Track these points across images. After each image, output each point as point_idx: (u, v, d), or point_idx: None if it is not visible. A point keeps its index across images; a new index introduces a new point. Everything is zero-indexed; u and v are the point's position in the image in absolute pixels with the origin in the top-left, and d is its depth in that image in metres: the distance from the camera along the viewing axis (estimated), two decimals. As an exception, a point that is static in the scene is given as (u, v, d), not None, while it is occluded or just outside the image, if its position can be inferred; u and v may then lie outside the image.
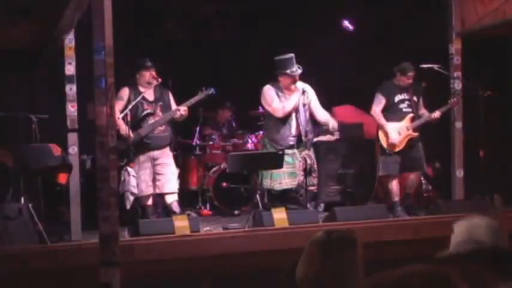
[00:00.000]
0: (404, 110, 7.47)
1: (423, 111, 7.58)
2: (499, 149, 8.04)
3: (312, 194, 7.59)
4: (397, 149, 7.43)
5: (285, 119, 7.19)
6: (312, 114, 7.32)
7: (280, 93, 7.22)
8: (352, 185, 8.12)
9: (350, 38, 9.24)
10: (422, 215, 7.16)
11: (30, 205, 5.86)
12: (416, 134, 7.45)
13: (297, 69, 7.12)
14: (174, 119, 7.10)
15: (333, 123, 7.37)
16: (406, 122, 7.44)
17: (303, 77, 7.27)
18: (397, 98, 7.46)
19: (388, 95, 7.46)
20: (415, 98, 7.49)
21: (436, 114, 7.42)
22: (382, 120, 7.44)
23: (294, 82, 7.15)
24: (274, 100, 7.18)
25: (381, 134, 7.48)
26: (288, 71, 7.10)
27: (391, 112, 7.46)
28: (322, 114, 7.39)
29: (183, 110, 6.97)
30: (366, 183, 8.22)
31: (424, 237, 6.17)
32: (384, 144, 7.46)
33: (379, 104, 7.46)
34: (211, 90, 7.04)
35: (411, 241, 6.15)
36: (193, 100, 7.06)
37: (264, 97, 7.27)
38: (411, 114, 7.46)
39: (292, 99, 7.12)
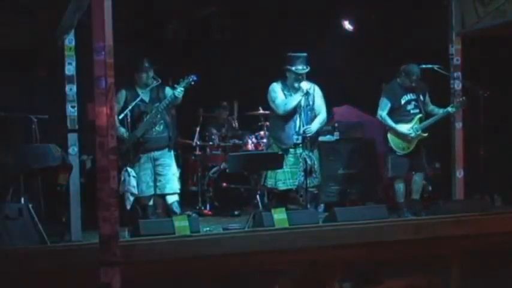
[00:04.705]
0: (412, 111, 7.40)
1: (432, 107, 7.52)
2: (499, 149, 8.04)
3: (312, 195, 7.59)
4: (406, 151, 7.39)
5: (290, 117, 7.15)
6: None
7: (286, 91, 7.20)
8: (352, 186, 8.13)
9: (350, 38, 9.24)
10: (422, 215, 7.16)
11: (30, 205, 5.86)
12: (425, 134, 7.41)
13: (302, 68, 7.12)
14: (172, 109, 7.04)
15: (309, 127, 7.15)
16: (415, 124, 7.41)
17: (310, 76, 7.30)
18: (404, 99, 7.39)
19: (394, 98, 7.39)
20: (421, 97, 7.45)
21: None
22: (389, 122, 7.36)
23: (298, 80, 7.14)
24: (277, 97, 7.18)
25: (390, 136, 7.41)
26: (292, 68, 7.12)
27: (399, 114, 7.38)
28: (319, 114, 7.34)
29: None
30: (366, 183, 8.23)
31: (424, 237, 6.18)
32: (393, 146, 7.42)
33: (384, 108, 7.38)
34: (192, 78, 6.94)
35: (411, 241, 6.16)
36: (176, 93, 6.96)
37: (269, 94, 7.26)
38: (420, 115, 7.41)
39: (295, 98, 7.10)
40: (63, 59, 6.34)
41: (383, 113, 7.39)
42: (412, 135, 7.34)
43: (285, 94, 7.19)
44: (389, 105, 7.39)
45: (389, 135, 7.41)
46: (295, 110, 7.10)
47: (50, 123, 6.67)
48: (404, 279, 2.25)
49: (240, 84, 8.71)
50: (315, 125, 7.19)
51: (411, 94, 7.41)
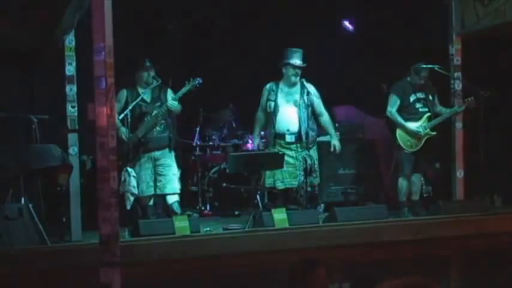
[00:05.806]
0: (420, 109, 7.45)
1: (440, 107, 7.56)
2: (499, 149, 8.04)
3: (311, 194, 7.58)
4: (414, 149, 7.40)
5: (271, 116, 7.31)
6: (315, 116, 7.36)
7: (272, 91, 7.31)
8: (352, 186, 8.13)
9: (350, 38, 9.24)
10: (422, 215, 7.16)
11: (30, 205, 5.85)
12: (434, 133, 7.43)
13: (301, 63, 7.21)
14: (172, 113, 7.07)
15: (335, 144, 7.42)
16: (423, 122, 7.41)
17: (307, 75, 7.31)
18: (412, 97, 7.44)
19: (403, 95, 7.43)
20: (430, 97, 7.48)
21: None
22: (399, 119, 7.40)
23: (295, 74, 7.22)
24: (259, 108, 7.44)
25: (398, 133, 7.43)
26: (290, 61, 7.21)
27: (408, 112, 7.43)
28: (325, 121, 7.42)
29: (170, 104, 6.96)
30: (366, 183, 8.22)
31: (424, 238, 6.18)
32: (402, 143, 7.42)
33: (394, 105, 7.43)
34: (197, 81, 6.99)
35: (411, 241, 6.16)
36: (180, 93, 7.01)
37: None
38: (428, 114, 7.44)
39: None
40: (63, 59, 6.35)
41: (392, 109, 7.42)
42: (421, 132, 7.36)
43: (270, 93, 7.31)
44: (398, 102, 7.42)
45: (397, 132, 7.43)
46: (276, 109, 7.26)
47: (50, 123, 6.66)
48: (395, 280, 2.25)
49: (239, 84, 8.69)
50: (334, 135, 7.43)
51: (420, 93, 7.45)
